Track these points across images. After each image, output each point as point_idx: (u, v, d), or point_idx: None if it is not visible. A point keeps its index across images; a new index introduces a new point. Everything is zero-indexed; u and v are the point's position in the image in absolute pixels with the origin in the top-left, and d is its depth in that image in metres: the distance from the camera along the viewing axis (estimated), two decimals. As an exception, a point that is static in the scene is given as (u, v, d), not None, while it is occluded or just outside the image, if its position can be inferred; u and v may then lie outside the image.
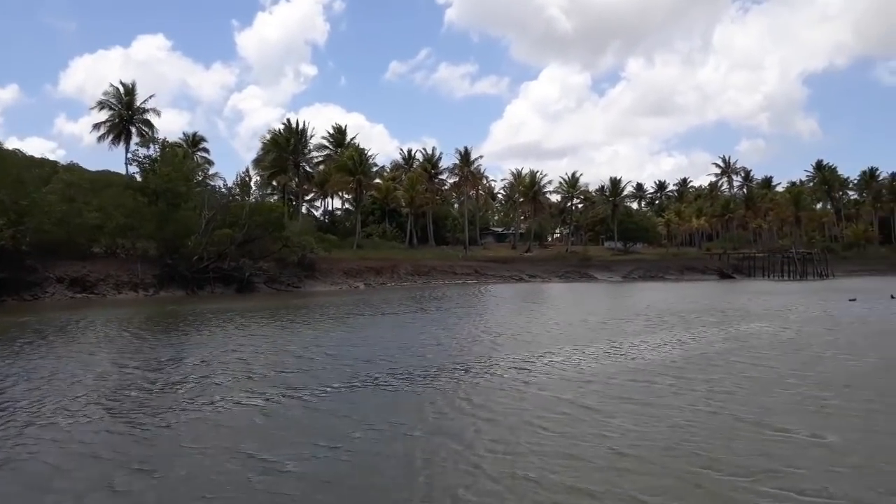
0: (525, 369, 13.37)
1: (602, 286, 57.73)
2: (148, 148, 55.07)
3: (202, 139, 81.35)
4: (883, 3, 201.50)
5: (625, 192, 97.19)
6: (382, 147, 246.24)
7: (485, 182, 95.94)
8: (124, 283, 44.38)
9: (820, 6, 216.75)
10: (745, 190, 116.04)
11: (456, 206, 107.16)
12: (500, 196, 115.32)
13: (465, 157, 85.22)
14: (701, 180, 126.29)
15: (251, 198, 55.95)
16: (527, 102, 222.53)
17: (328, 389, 11.32)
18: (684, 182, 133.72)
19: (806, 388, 11.29)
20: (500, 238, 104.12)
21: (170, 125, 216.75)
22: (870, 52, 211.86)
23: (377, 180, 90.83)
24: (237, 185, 59.02)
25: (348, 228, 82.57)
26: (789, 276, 71.83)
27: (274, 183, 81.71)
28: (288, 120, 75.69)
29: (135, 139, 63.46)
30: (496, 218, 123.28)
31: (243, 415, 9.69)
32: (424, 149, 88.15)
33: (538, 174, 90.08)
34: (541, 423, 8.84)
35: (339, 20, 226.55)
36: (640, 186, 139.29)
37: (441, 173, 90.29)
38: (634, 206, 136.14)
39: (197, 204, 48.21)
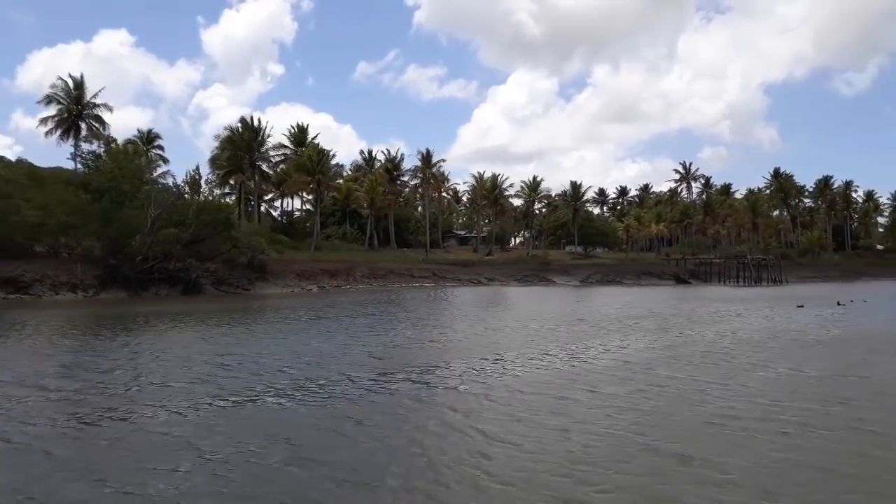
0: (428, 382, 12.38)
1: (557, 290, 57.29)
2: (92, 143, 52.93)
3: (157, 136, 78.99)
4: (841, 16, 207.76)
5: (586, 197, 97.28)
6: (350, 148, 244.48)
7: (447, 184, 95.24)
8: (62, 284, 42.32)
9: (781, 17, 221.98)
10: (704, 196, 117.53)
11: (420, 208, 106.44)
12: (464, 199, 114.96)
13: (426, 158, 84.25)
14: (662, 186, 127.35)
15: (201, 196, 53.71)
16: (495, 107, 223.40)
17: (198, 408, 10.11)
18: (646, 188, 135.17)
19: (721, 404, 10.52)
20: (463, 241, 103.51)
21: (132, 122, 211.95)
22: (828, 63, 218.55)
23: (339, 181, 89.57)
24: (187, 183, 57.02)
25: (307, 229, 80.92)
26: (744, 281, 72.54)
27: (232, 182, 79.63)
28: (243, 118, 73.81)
29: (84, 135, 61.19)
30: (460, 221, 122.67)
31: (82, 439, 8.43)
32: (388, 150, 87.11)
33: (499, 178, 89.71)
34: (413, 448, 7.85)
35: (308, 19, 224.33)
36: (602, 191, 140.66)
37: (403, 175, 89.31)
38: (596, 210, 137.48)
39: (144, 202, 46.38)
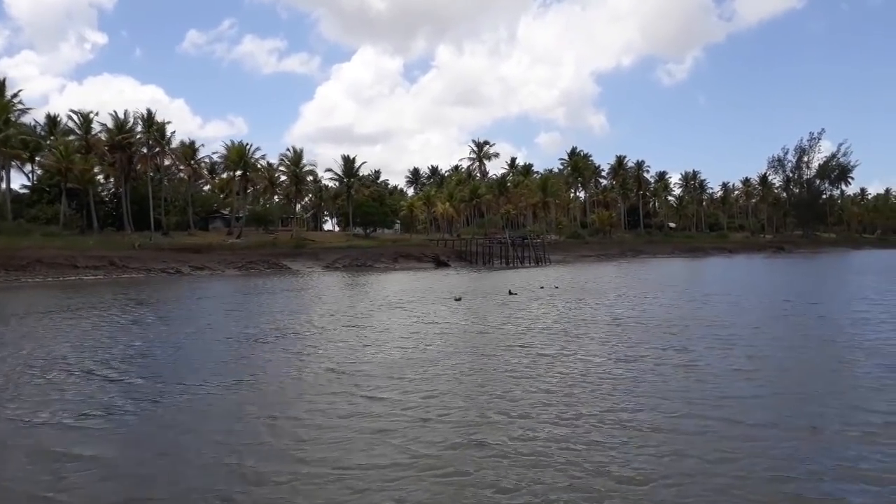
0: None
1: (261, 281, 45.93)
2: None
3: None
4: (666, 8, 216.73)
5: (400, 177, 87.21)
6: (182, 125, 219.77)
7: (196, 157, 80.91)
8: None
9: (612, 6, 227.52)
10: (510, 176, 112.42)
11: (207, 187, 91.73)
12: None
13: (148, 120, 68.83)
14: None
15: None
16: (339, 84, 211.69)
17: None
18: (456, 169, 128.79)
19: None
20: (230, 223, 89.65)
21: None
22: (653, 53, 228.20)
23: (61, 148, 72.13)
24: None
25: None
26: (507, 262, 66.22)
27: None
28: None
29: None
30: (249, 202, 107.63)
31: None
32: (115, 111, 70.24)
33: (248, 147, 77.07)
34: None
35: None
36: (416, 171, 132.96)
37: (135, 144, 73.26)
38: (411, 191, 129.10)
39: None
